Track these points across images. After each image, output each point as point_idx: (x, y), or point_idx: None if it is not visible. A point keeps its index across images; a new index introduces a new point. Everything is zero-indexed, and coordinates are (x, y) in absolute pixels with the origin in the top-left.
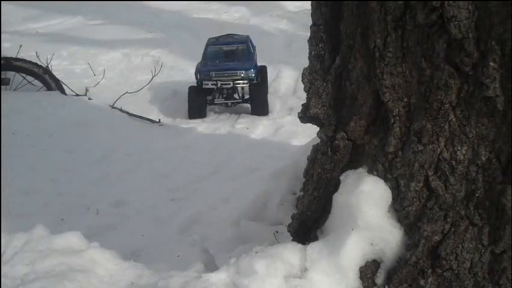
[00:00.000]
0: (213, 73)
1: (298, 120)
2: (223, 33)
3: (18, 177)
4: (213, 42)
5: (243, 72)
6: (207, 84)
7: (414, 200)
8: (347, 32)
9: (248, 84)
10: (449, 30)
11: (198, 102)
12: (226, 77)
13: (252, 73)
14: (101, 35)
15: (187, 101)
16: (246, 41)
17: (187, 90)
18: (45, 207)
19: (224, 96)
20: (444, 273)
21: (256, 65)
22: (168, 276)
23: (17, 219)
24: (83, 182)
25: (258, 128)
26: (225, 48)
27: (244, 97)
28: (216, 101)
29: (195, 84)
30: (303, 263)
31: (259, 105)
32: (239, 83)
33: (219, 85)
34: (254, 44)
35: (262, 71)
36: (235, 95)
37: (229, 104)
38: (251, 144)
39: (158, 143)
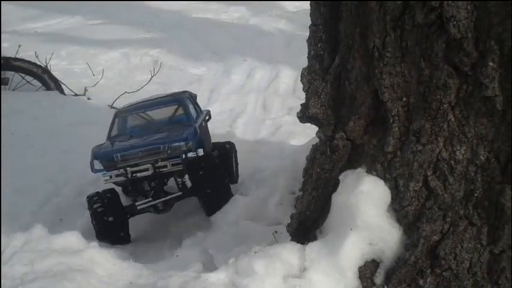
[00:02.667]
0: (118, 155)
1: (297, 120)
2: (222, 32)
3: (17, 177)
4: (125, 109)
5: (171, 145)
6: (109, 178)
7: (413, 199)
8: (346, 32)
9: (181, 165)
10: (448, 30)
11: (108, 218)
12: (141, 158)
13: (186, 145)
14: (100, 35)
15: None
16: (179, 99)
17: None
18: (44, 207)
19: (150, 194)
20: (443, 273)
21: (196, 132)
22: (167, 276)
23: (16, 219)
24: (82, 182)
25: None
26: (145, 115)
27: (185, 187)
28: (140, 206)
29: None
30: (302, 262)
31: (213, 197)
32: (164, 166)
33: (130, 175)
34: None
35: (225, 150)
36: (178, 187)
37: (160, 207)
38: (250, 144)
39: None
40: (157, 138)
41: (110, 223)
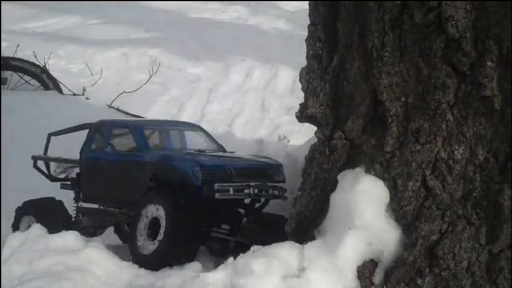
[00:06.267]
0: (231, 168)
1: (295, 119)
2: (220, 32)
3: (16, 177)
4: (146, 123)
5: (276, 170)
6: (227, 192)
7: (412, 199)
8: (344, 32)
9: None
10: (446, 29)
11: (192, 232)
12: (250, 177)
13: (283, 174)
14: (99, 35)
15: (168, 232)
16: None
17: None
18: None
19: (227, 223)
20: (442, 273)
21: None
22: (166, 276)
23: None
24: None
25: None
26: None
27: (232, 230)
28: (215, 232)
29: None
30: (301, 262)
31: None
32: (268, 193)
33: (252, 193)
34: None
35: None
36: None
37: (231, 243)
38: (249, 144)
39: None
40: (253, 159)
41: (189, 239)
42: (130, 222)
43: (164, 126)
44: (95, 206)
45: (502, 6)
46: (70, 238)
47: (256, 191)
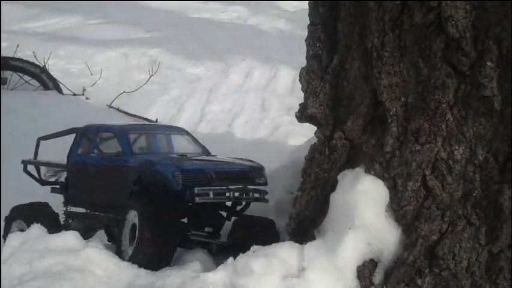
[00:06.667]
0: (211, 172)
1: (295, 119)
2: (220, 32)
3: (15, 177)
4: (131, 127)
5: (258, 173)
6: (206, 196)
7: (412, 199)
8: (344, 32)
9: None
10: (446, 29)
11: (168, 236)
12: (231, 181)
13: (265, 177)
14: (99, 35)
15: (140, 237)
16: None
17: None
18: None
19: (206, 228)
20: (442, 273)
21: None
22: (165, 276)
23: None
24: None
25: None
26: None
27: (214, 233)
28: (194, 235)
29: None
30: (301, 262)
31: None
32: (249, 196)
33: (233, 197)
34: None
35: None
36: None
37: (214, 247)
38: (248, 144)
39: None
40: (233, 162)
41: (165, 243)
42: (116, 226)
43: (150, 131)
44: (84, 210)
45: (502, 6)
46: (70, 238)
47: (236, 194)
